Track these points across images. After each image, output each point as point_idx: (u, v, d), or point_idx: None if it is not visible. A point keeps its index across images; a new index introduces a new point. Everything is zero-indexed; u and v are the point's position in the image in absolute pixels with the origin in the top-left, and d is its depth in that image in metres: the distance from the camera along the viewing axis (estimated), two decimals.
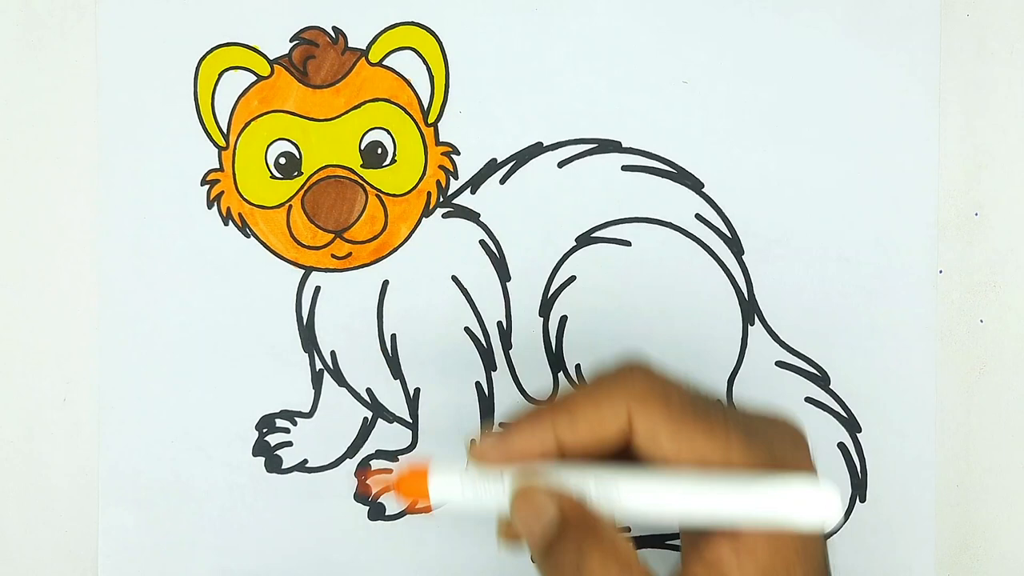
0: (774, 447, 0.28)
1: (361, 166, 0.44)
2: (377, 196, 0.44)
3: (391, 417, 0.44)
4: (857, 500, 0.44)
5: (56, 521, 0.45)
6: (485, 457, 0.29)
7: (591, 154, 0.44)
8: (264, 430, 0.44)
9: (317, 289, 0.44)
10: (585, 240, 0.44)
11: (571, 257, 0.44)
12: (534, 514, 0.27)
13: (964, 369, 0.45)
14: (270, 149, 0.44)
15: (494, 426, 0.44)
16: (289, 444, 0.44)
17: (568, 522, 0.27)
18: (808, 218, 0.44)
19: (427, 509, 0.44)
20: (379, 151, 0.44)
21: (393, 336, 0.44)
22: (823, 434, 0.44)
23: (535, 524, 0.27)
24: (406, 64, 0.44)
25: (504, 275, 0.44)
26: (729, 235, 0.44)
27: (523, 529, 0.27)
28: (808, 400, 0.44)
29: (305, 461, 0.44)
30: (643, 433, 0.28)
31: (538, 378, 0.44)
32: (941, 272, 0.45)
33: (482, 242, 0.44)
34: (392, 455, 0.44)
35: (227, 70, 0.44)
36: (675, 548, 0.44)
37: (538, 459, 0.28)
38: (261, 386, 0.44)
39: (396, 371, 0.44)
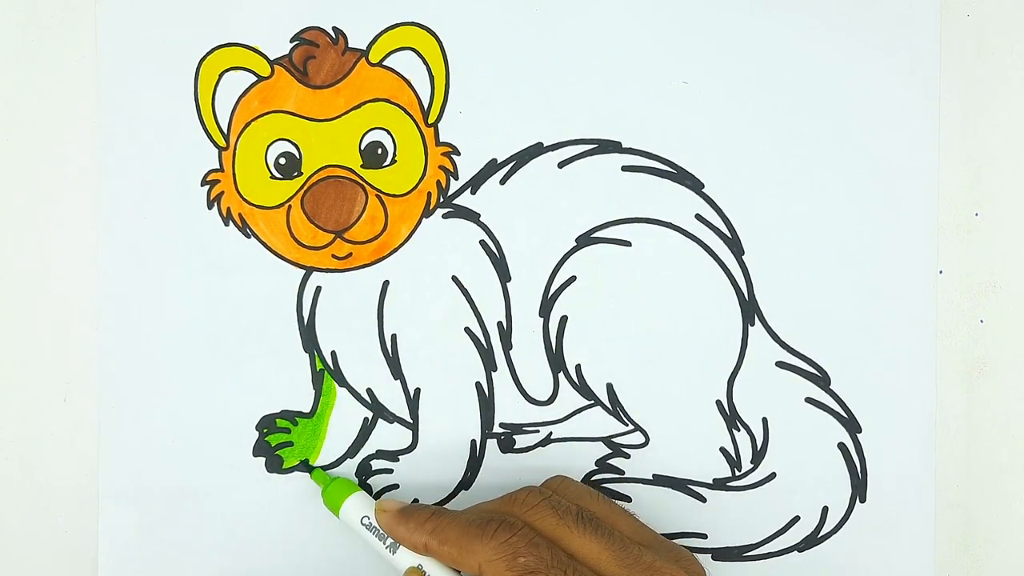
0: None
1: (361, 166, 0.44)
2: (377, 196, 0.44)
3: (391, 417, 0.44)
4: (857, 500, 0.44)
5: (56, 521, 0.45)
6: (381, 525, 0.41)
7: (591, 154, 0.44)
8: (264, 430, 0.44)
9: (318, 289, 0.44)
10: (585, 240, 0.44)
11: (571, 257, 0.44)
12: None
13: (964, 369, 0.45)
14: (270, 149, 0.44)
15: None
16: (289, 444, 0.44)
17: None
18: (808, 218, 0.44)
19: None
20: (379, 151, 0.44)
21: (393, 336, 0.44)
22: (823, 434, 0.44)
23: None
24: (406, 64, 0.44)
25: (504, 275, 0.44)
26: (729, 235, 0.44)
27: None
28: (808, 400, 0.44)
29: (305, 461, 0.44)
30: None
31: (538, 378, 0.44)
32: (941, 272, 0.45)
33: (482, 242, 0.44)
34: (392, 455, 0.44)
35: (227, 70, 0.44)
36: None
37: (411, 549, 0.40)
38: (261, 386, 0.44)
39: (396, 371, 0.44)
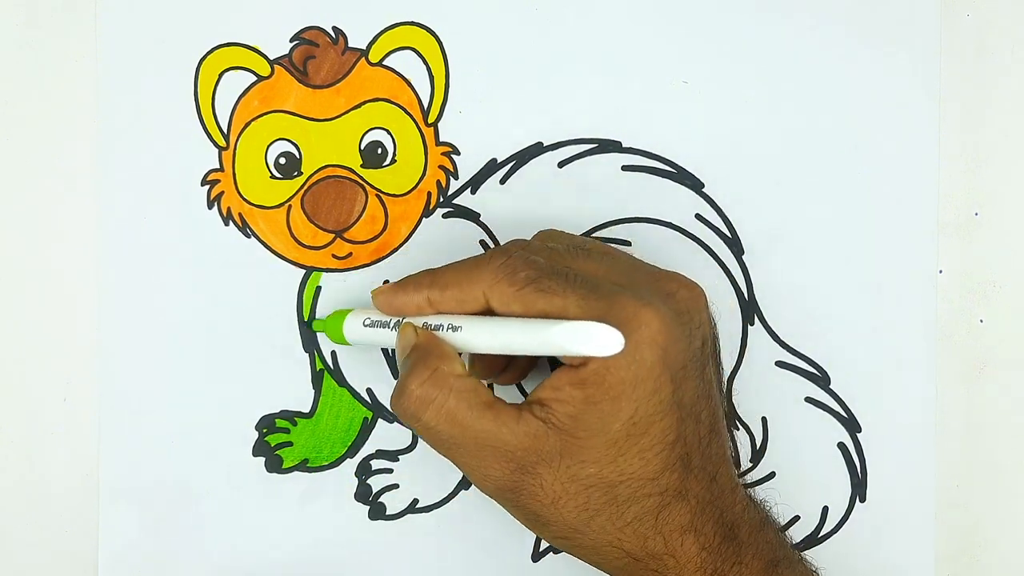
0: (614, 301, 0.35)
1: (361, 166, 0.44)
2: (377, 196, 0.44)
3: (391, 417, 0.44)
4: (857, 500, 0.44)
5: (56, 521, 0.45)
6: (379, 305, 0.40)
7: (591, 154, 0.44)
8: (264, 430, 0.44)
9: (318, 289, 0.44)
10: None
11: None
12: (404, 339, 0.38)
13: (964, 369, 0.45)
14: (270, 149, 0.44)
15: None
16: (289, 444, 0.44)
17: (420, 343, 0.38)
18: (808, 218, 0.44)
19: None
20: (379, 151, 0.44)
21: None
22: (823, 434, 0.44)
23: (402, 344, 0.38)
24: (406, 64, 0.44)
25: None
26: (729, 235, 0.44)
27: (398, 351, 0.39)
28: (808, 400, 0.44)
29: (305, 461, 0.44)
30: (498, 305, 0.37)
31: (538, 378, 0.44)
32: (941, 272, 0.45)
33: (482, 242, 0.44)
34: (392, 455, 0.44)
35: (227, 70, 0.44)
36: None
37: (415, 313, 0.39)
38: (261, 386, 0.44)
39: (396, 371, 0.44)
